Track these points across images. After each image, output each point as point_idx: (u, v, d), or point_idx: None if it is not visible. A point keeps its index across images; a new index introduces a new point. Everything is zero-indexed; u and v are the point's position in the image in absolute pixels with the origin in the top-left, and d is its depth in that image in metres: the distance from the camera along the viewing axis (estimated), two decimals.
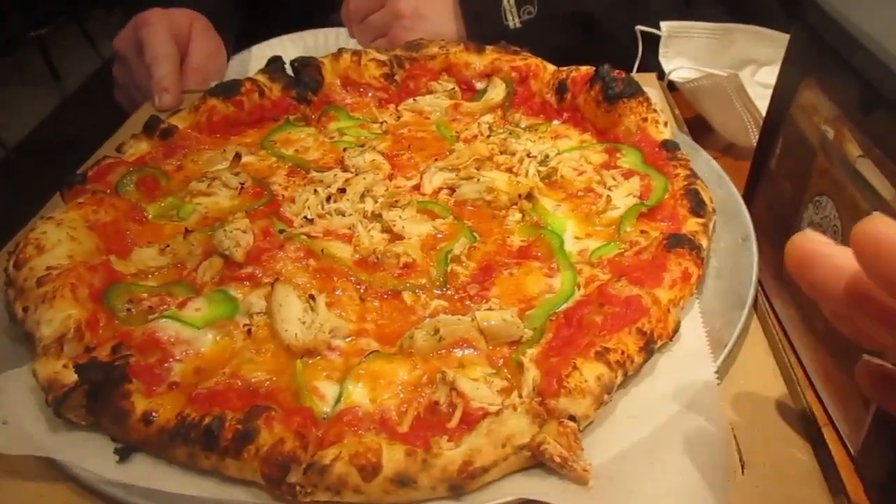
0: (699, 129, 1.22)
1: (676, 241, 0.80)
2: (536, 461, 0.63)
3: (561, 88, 1.15)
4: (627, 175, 0.97)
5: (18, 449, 0.68)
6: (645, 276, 0.76)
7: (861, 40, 0.65)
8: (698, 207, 0.87)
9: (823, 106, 0.75)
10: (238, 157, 1.07)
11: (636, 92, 1.04)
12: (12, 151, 3.74)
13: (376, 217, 0.95)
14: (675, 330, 0.74)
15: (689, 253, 0.80)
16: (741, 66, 1.26)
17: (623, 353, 0.69)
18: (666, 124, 1.03)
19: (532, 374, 0.69)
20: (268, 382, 0.72)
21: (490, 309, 0.78)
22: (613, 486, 0.61)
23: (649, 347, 0.71)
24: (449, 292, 0.83)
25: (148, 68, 1.39)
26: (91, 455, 0.68)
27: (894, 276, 0.43)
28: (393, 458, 0.62)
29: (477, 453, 0.62)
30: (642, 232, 0.88)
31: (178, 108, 1.25)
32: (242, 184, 1.03)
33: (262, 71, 1.24)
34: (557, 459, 0.61)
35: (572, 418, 0.64)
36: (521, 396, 0.67)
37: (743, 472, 0.65)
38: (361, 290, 0.84)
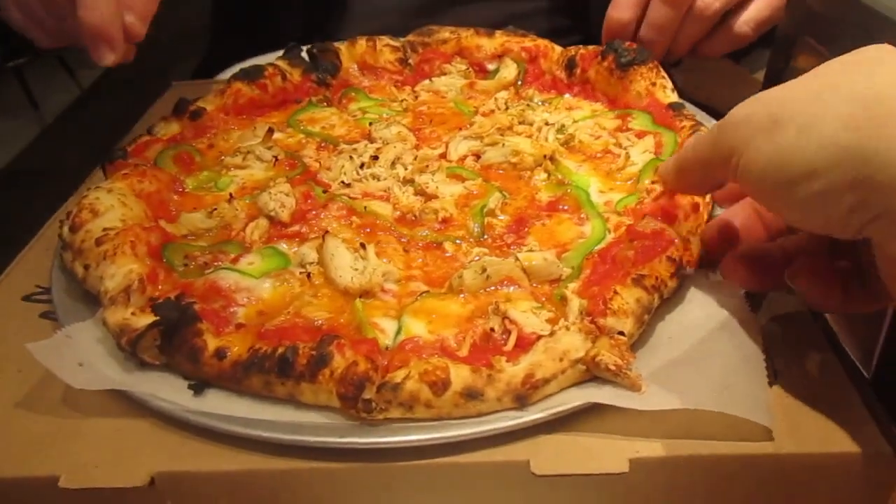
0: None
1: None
2: (591, 375, 0.69)
3: (570, 64, 1.22)
4: (640, 135, 1.04)
5: (98, 385, 0.72)
6: (663, 216, 0.83)
7: None
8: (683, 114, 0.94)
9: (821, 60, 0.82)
10: (271, 131, 1.11)
11: (646, 59, 1.11)
12: None
13: (409, 182, 1.00)
14: (700, 255, 0.80)
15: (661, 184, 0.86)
16: None
17: (657, 278, 0.74)
18: (673, 90, 1.10)
19: (576, 302, 0.74)
20: (329, 320, 0.77)
21: (531, 251, 0.84)
22: (662, 390, 0.67)
23: (680, 273, 0.76)
24: (488, 240, 0.89)
25: None
26: (166, 389, 0.72)
27: None
28: (460, 374, 0.67)
29: (538, 367, 0.67)
30: (653, 182, 0.94)
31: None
32: (276, 157, 1.07)
33: (281, 57, 1.30)
34: (612, 368, 0.66)
35: (622, 333, 0.69)
36: (568, 321, 0.72)
37: (777, 378, 0.71)
38: (405, 243, 0.89)
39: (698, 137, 0.72)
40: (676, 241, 0.79)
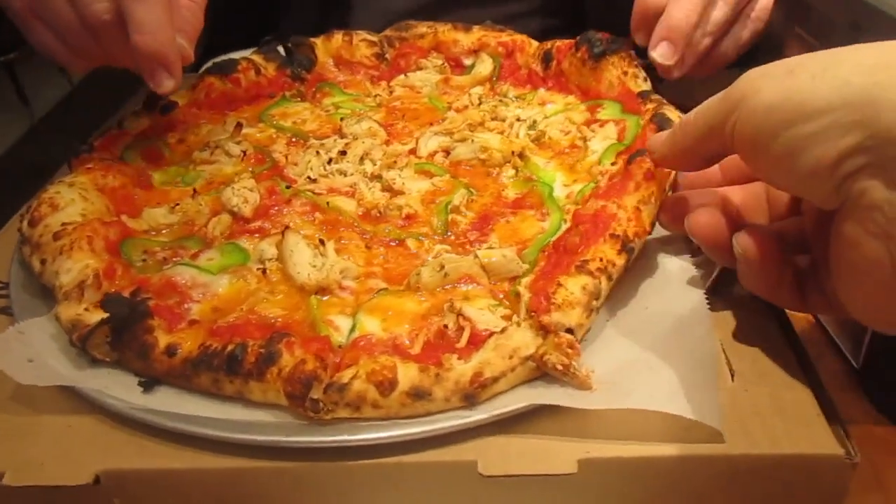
0: None
1: (637, 153, 0.84)
2: (541, 372, 0.68)
3: (546, 57, 1.20)
4: (604, 124, 1.03)
5: (46, 381, 0.71)
6: (611, 191, 0.81)
7: None
8: (664, 124, 0.89)
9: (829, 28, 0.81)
10: (239, 126, 1.11)
11: (620, 47, 1.09)
12: None
13: (376, 178, 0.99)
14: (653, 224, 0.78)
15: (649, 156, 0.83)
16: None
17: (601, 259, 0.73)
18: (646, 79, 1.08)
19: (526, 297, 0.73)
20: (284, 317, 0.76)
21: (490, 248, 0.83)
22: (613, 389, 0.66)
23: (627, 248, 0.75)
24: (451, 237, 0.88)
25: (123, 12, 0.84)
26: (116, 387, 0.71)
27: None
28: (407, 374, 0.66)
29: (486, 365, 0.66)
30: (613, 164, 0.93)
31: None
32: (244, 151, 1.06)
33: (256, 51, 1.29)
34: (560, 367, 0.65)
35: (569, 331, 0.68)
36: (519, 318, 0.71)
37: (732, 379, 0.70)
38: (367, 239, 0.88)
39: (700, 105, 0.69)
40: (618, 214, 0.77)
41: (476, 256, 0.80)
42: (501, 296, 0.79)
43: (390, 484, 0.66)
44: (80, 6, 0.85)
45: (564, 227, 0.85)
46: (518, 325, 0.69)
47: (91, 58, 0.95)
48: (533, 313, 0.70)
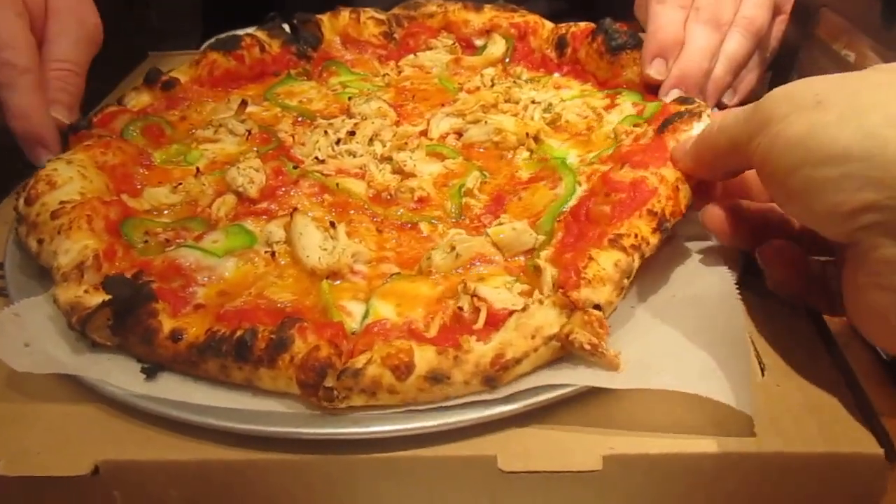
0: None
1: (667, 122, 0.80)
2: (566, 352, 0.64)
3: (561, 43, 1.17)
4: (623, 105, 1.00)
5: (44, 368, 0.68)
6: (647, 157, 0.77)
7: None
8: (688, 102, 0.88)
9: (842, 30, 0.78)
10: (244, 103, 1.07)
11: (639, 43, 1.06)
12: None
13: (386, 159, 0.96)
14: (688, 205, 0.75)
15: (684, 124, 0.80)
16: None
17: (636, 236, 0.69)
18: None
19: (549, 272, 0.70)
20: (294, 302, 0.72)
21: (500, 223, 0.79)
22: (641, 371, 0.63)
23: (663, 227, 0.71)
24: (465, 220, 0.85)
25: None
26: (117, 373, 0.68)
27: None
28: (425, 357, 0.63)
29: (508, 346, 0.63)
30: (636, 125, 0.90)
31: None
32: (249, 130, 1.03)
33: (260, 28, 1.24)
34: (587, 347, 0.62)
35: (597, 307, 0.64)
36: (542, 294, 0.68)
37: (763, 373, 0.67)
38: (378, 222, 0.85)
39: (726, 115, 0.68)
40: (659, 189, 0.73)
41: (487, 235, 0.77)
42: (520, 272, 0.75)
43: (405, 479, 0.63)
44: None
45: (580, 190, 0.81)
46: (540, 302, 0.65)
47: None
48: (561, 289, 0.66)
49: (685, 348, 0.65)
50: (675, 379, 0.61)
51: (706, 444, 0.61)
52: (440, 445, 0.62)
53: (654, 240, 0.70)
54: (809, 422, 0.63)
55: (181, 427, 0.64)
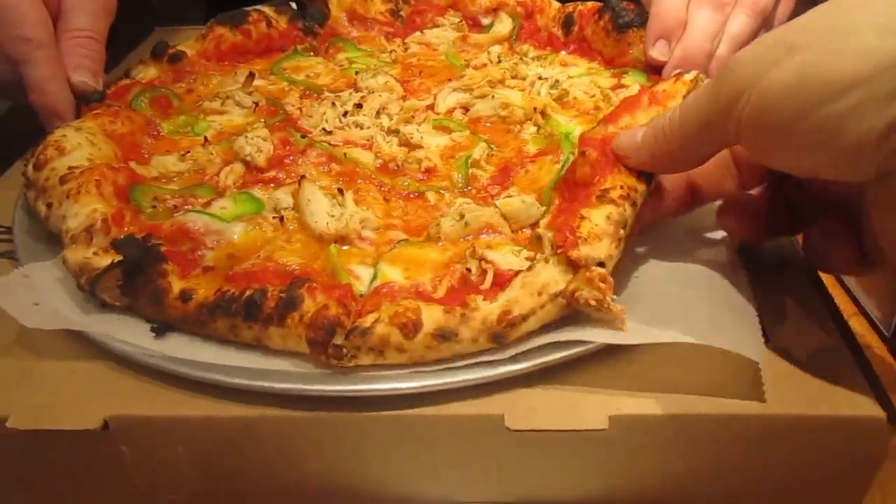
0: None
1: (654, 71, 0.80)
2: (572, 309, 0.64)
3: (567, 22, 1.17)
4: (630, 87, 0.99)
5: (53, 324, 0.68)
6: (620, 109, 0.75)
7: None
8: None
9: None
10: (252, 75, 1.07)
11: (645, 21, 1.06)
12: None
13: (393, 132, 0.96)
14: None
15: (674, 80, 0.77)
16: None
17: (622, 186, 0.68)
18: None
19: (547, 237, 0.70)
20: (302, 266, 0.73)
21: (510, 196, 0.80)
22: (647, 327, 0.63)
23: (647, 174, 0.70)
24: (472, 191, 0.85)
25: (10, 60, 0.96)
26: (125, 332, 0.68)
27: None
28: (432, 315, 0.63)
29: (514, 303, 0.63)
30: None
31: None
32: (256, 102, 1.03)
33: (266, 4, 1.25)
34: (593, 303, 0.61)
35: (601, 264, 0.64)
36: (545, 256, 0.68)
37: (767, 340, 0.67)
38: (385, 192, 0.85)
39: (682, 102, 0.64)
40: None
41: (496, 206, 0.77)
42: (526, 245, 0.75)
43: (410, 437, 0.63)
44: None
45: (571, 157, 0.79)
46: (546, 261, 0.66)
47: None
48: (560, 249, 0.65)
49: (691, 306, 0.65)
50: (682, 333, 0.62)
51: (712, 406, 0.62)
52: (447, 404, 0.62)
53: (641, 186, 0.69)
54: (812, 385, 0.63)
55: (190, 384, 0.65)
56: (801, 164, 0.57)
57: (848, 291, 0.83)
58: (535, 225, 0.76)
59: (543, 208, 0.77)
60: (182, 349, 0.67)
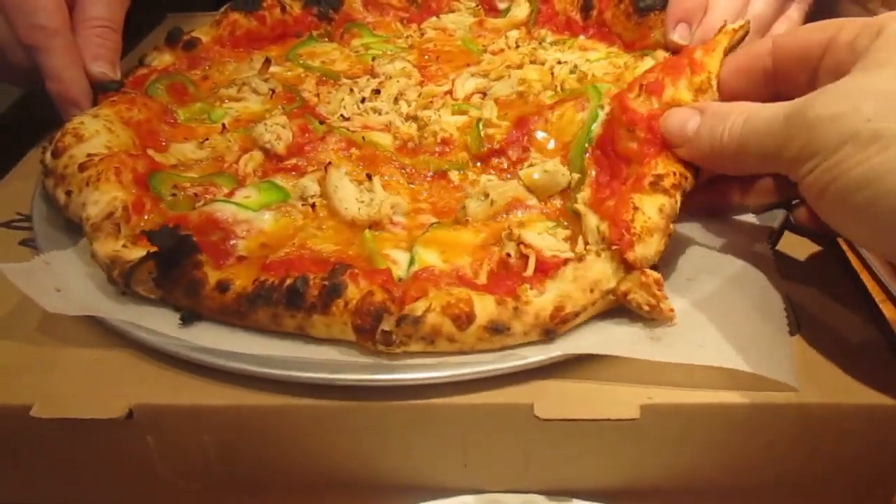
0: None
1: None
2: (618, 304, 0.64)
3: (586, 5, 1.15)
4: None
5: (76, 310, 0.68)
6: (664, 74, 0.73)
7: None
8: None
9: None
10: (268, 61, 1.06)
11: (666, 3, 1.04)
12: None
13: (412, 118, 0.95)
14: None
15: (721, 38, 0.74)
16: None
17: (675, 174, 0.67)
18: None
19: (592, 220, 0.68)
20: (337, 252, 0.72)
21: (531, 165, 0.78)
22: (681, 340, 0.62)
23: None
24: (494, 161, 0.84)
25: (26, 47, 0.95)
26: (149, 320, 0.68)
27: None
28: (485, 308, 0.62)
29: (567, 299, 0.63)
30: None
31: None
32: (273, 89, 1.02)
33: None
34: (646, 308, 0.62)
35: (654, 268, 0.64)
36: (587, 244, 0.67)
37: (800, 327, 0.66)
38: (408, 175, 0.84)
39: (752, 116, 0.61)
40: None
41: (519, 178, 0.76)
42: (558, 216, 0.74)
43: (438, 426, 0.63)
44: (6, 55, 0.99)
45: (602, 114, 0.77)
46: (597, 254, 0.65)
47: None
48: (614, 247, 0.64)
49: (722, 315, 0.64)
50: (715, 353, 0.61)
51: (745, 395, 0.61)
52: (476, 393, 0.62)
53: (691, 175, 0.68)
54: (846, 374, 0.62)
55: (215, 373, 0.64)
56: (861, 241, 0.60)
57: (875, 276, 0.81)
58: (564, 192, 0.75)
59: (575, 176, 0.75)
60: (206, 337, 0.66)
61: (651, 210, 0.65)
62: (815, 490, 0.65)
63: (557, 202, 0.75)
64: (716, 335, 0.63)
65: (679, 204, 0.66)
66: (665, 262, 0.71)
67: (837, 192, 0.54)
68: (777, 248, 0.72)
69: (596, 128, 0.75)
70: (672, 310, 0.62)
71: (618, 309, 0.66)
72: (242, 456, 0.66)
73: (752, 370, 0.59)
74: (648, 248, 0.64)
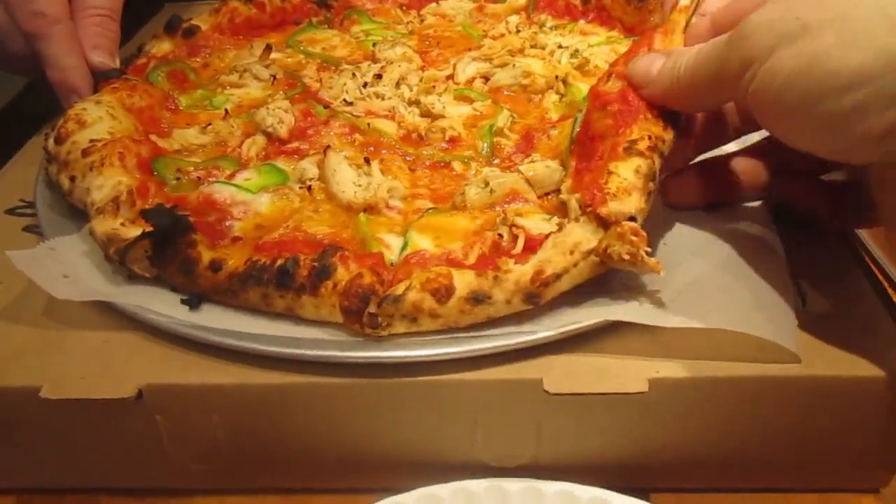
0: None
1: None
2: (605, 268, 0.63)
3: None
4: None
5: (84, 295, 0.68)
6: (629, 58, 0.72)
7: None
8: None
9: None
10: (269, 48, 1.06)
11: None
12: None
13: (414, 103, 0.95)
14: None
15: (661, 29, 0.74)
16: None
17: (650, 137, 0.66)
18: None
19: (573, 200, 0.68)
20: (331, 235, 0.72)
21: (533, 161, 0.79)
22: (686, 307, 0.62)
23: (672, 120, 0.68)
24: (496, 161, 0.84)
25: (26, 35, 0.95)
26: (156, 302, 0.68)
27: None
28: (464, 279, 0.62)
29: (547, 263, 0.62)
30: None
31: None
32: (274, 75, 1.02)
33: None
34: (627, 257, 0.60)
35: (632, 219, 0.62)
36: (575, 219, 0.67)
37: (804, 302, 0.67)
38: (410, 161, 0.84)
39: (698, 51, 0.62)
40: None
41: (519, 171, 0.76)
42: (555, 214, 0.74)
43: (447, 402, 0.63)
44: (6, 43, 0.99)
45: (580, 116, 0.76)
46: (576, 220, 0.64)
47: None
48: (588, 208, 0.64)
49: (727, 285, 0.65)
50: (721, 318, 0.61)
51: (750, 368, 0.61)
52: (485, 369, 0.62)
53: (668, 136, 0.67)
54: (851, 346, 0.63)
55: (223, 353, 0.64)
56: (803, 143, 0.57)
57: (872, 259, 0.82)
58: (559, 191, 0.75)
59: (564, 171, 0.76)
60: (212, 319, 0.66)
61: (626, 172, 0.64)
62: (819, 460, 0.66)
63: (554, 199, 0.75)
64: (721, 303, 0.63)
65: (658, 165, 0.65)
66: (669, 240, 0.72)
67: (777, 92, 0.54)
68: (780, 224, 0.72)
69: (576, 128, 0.75)
70: (657, 261, 0.60)
71: (620, 287, 0.66)
72: (251, 435, 0.66)
73: (757, 334, 0.59)
74: (625, 205, 0.62)
